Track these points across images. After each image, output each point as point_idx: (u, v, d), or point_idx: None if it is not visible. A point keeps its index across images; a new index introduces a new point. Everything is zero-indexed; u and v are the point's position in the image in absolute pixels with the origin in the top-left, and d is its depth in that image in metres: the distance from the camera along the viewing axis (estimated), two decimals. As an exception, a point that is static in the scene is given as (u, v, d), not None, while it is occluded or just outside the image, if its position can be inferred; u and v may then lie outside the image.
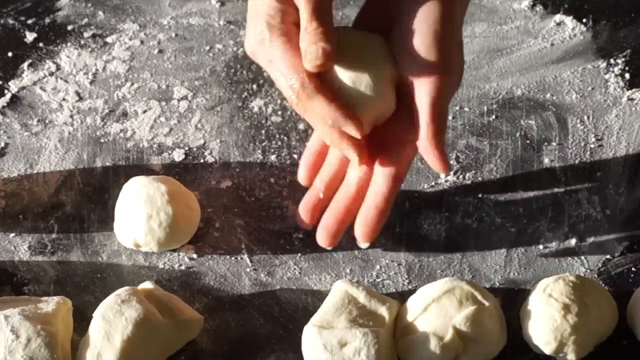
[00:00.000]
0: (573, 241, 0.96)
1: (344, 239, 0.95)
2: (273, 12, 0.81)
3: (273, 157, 1.00)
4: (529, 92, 1.04)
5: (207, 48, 1.06)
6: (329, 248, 0.89)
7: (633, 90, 1.03)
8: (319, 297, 0.92)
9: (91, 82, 1.04)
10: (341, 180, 0.89)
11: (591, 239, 0.96)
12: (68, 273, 0.94)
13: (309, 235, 0.96)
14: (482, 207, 0.97)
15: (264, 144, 1.01)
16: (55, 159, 1.00)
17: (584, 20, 1.07)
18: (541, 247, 0.96)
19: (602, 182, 0.99)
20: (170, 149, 1.01)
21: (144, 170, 0.99)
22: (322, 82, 0.81)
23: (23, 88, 1.04)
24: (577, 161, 1.00)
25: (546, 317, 0.87)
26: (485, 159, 1.00)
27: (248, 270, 0.95)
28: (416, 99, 0.82)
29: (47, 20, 1.08)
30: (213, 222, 0.97)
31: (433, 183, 0.99)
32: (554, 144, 1.01)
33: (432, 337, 0.86)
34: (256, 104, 1.03)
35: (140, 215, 0.93)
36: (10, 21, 1.08)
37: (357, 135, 0.81)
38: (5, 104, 1.03)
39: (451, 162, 1.00)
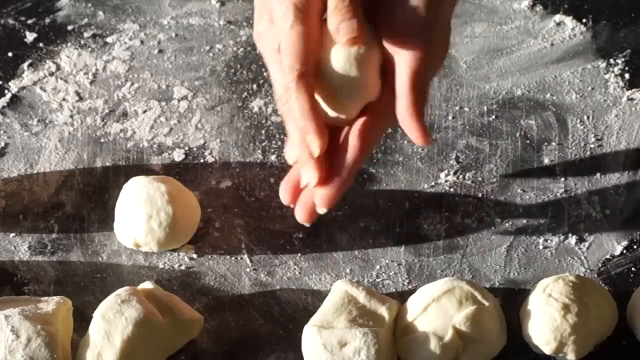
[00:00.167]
0: (573, 241, 0.96)
1: (344, 239, 0.96)
2: None
3: (273, 157, 1.00)
4: (529, 92, 1.04)
5: (207, 48, 1.06)
6: (307, 225, 0.87)
7: (633, 90, 1.03)
8: (319, 297, 0.92)
9: (91, 82, 1.04)
10: None
11: (591, 239, 0.96)
12: (68, 273, 0.94)
13: (309, 235, 0.96)
14: (482, 207, 0.97)
15: (264, 144, 1.01)
16: (55, 159, 1.00)
17: (584, 20, 1.07)
18: (541, 247, 0.96)
19: (602, 182, 0.99)
20: (170, 149, 1.01)
21: (144, 170, 0.99)
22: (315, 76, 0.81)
23: (23, 88, 1.04)
24: (577, 161, 1.00)
25: (546, 317, 0.87)
26: (485, 159, 1.00)
27: (248, 270, 0.95)
28: (397, 70, 0.82)
29: (47, 20, 1.08)
30: (213, 222, 0.97)
31: (433, 183, 0.99)
32: (554, 144, 1.01)
33: (432, 337, 0.86)
34: (256, 104, 1.03)
35: (140, 215, 0.93)
36: (10, 21, 1.08)
37: (315, 153, 0.81)
38: (5, 104, 1.03)
39: (451, 162, 1.00)
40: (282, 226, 0.97)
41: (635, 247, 0.95)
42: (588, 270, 0.94)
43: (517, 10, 1.08)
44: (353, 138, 0.83)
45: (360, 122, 0.84)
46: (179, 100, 1.03)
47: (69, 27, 1.07)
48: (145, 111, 1.03)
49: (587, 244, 0.95)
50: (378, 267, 0.95)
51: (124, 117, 1.02)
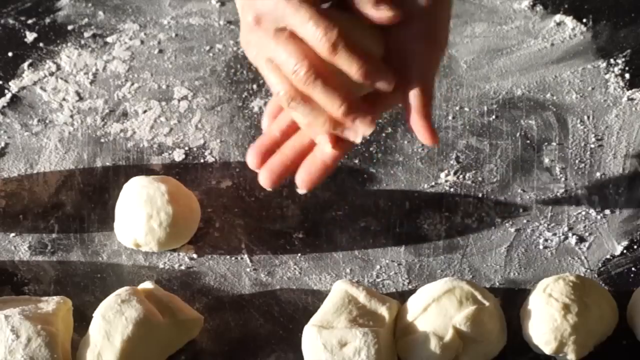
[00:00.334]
0: (573, 241, 0.96)
1: (344, 239, 0.96)
2: None
3: (273, 157, 1.00)
4: (529, 92, 1.04)
5: (207, 48, 1.06)
6: (268, 189, 0.86)
7: (633, 90, 1.03)
8: (319, 297, 0.92)
9: (91, 82, 1.04)
10: (297, 129, 0.88)
11: (591, 239, 0.96)
12: (68, 273, 0.95)
13: (309, 235, 0.96)
14: (482, 207, 0.98)
15: (264, 144, 1.01)
16: (55, 159, 1.00)
17: (584, 20, 1.07)
18: (541, 247, 0.96)
19: (602, 182, 0.99)
20: (170, 149, 1.01)
21: (144, 170, 0.99)
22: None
23: (23, 88, 1.04)
24: (577, 161, 1.00)
25: (546, 317, 0.87)
26: (485, 159, 1.00)
27: (248, 270, 0.95)
28: (405, 71, 0.81)
29: (48, 20, 1.08)
30: (213, 222, 0.97)
31: (433, 183, 0.99)
32: (554, 144, 1.01)
33: (432, 337, 0.86)
34: (256, 104, 1.03)
35: (140, 215, 0.93)
36: (11, 21, 1.08)
37: (390, 87, 0.80)
38: (5, 104, 1.03)
39: (451, 162, 1.00)
40: (282, 226, 0.97)
41: (635, 247, 0.95)
42: (588, 270, 0.94)
43: (517, 10, 1.08)
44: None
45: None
46: (179, 100, 1.03)
47: (69, 27, 1.07)
48: (145, 111, 1.03)
49: (587, 244, 0.96)
50: (378, 267, 0.95)
51: (124, 117, 1.02)
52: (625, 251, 0.95)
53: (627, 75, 1.04)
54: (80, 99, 1.03)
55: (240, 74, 1.05)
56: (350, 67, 0.79)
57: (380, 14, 0.81)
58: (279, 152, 0.85)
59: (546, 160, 1.00)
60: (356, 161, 1.00)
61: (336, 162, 0.84)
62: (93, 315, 0.88)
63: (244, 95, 1.04)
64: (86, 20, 1.08)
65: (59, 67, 1.05)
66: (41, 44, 1.06)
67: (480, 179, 0.99)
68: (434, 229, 0.96)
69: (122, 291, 0.89)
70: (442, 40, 0.83)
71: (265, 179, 0.85)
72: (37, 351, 0.85)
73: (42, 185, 0.99)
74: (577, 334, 0.87)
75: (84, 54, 1.06)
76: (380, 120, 1.01)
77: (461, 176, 0.99)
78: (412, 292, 0.91)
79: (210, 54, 1.06)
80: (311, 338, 0.87)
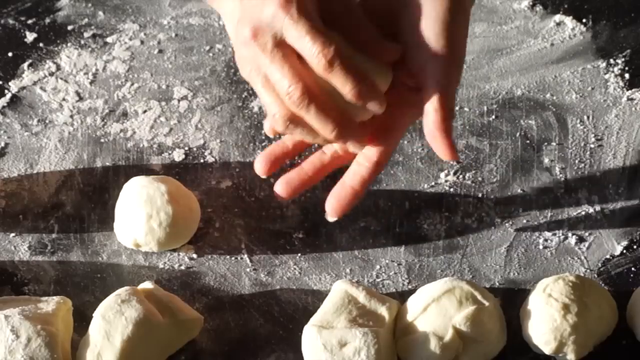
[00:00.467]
0: (573, 241, 0.96)
1: (344, 239, 0.96)
2: None
3: (273, 157, 1.00)
4: (529, 92, 1.04)
5: (207, 48, 1.06)
6: (282, 197, 0.88)
7: (633, 90, 1.03)
8: (319, 297, 0.92)
9: (91, 82, 1.04)
10: (307, 145, 0.88)
11: (591, 239, 0.96)
12: (68, 273, 0.95)
13: (309, 235, 0.96)
14: (482, 207, 0.98)
15: (264, 144, 1.01)
16: (55, 159, 1.00)
17: (584, 20, 1.07)
18: (541, 247, 0.96)
19: (602, 182, 0.99)
20: (170, 149, 1.01)
21: (144, 170, 0.99)
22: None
23: (23, 88, 1.04)
24: (577, 161, 1.00)
25: (546, 317, 0.87)
26: (485, 159, 1.00)
27: (248, 270, 0.95)
28: (425, 86, 0.81)
29: (47, 20, 1.08)
30: (213, 222, 0.97)
31: (433, 183, 0.99)
32: (554, 144, 1.01)
33: (432, 337, 0.86)
34: (256, 104, 1.03)
35: (140, 215, 0.93)
36: (11, 21, 1.08)
37: (381, 110, 0.81)
38: (5, 104, 1.03)
39: (451, 162, 1.00)
40: (282, 226, 0.97)
41: (635, 247, 0.95)
42: (588, 270, 0.94)
43: (517, 10, 1.08)
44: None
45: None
46: (179, 100, 1.03)
47: (69, 27, 1.07)
48: (145, 111, 1.03)
49: (587, 244, 0.96)
50: (378, 267, 0.95)
51: (124, 117, 1.02)
52: (625, 251, 0.95)
53: (626, 75, 1.04)
54: (80, 99, 1.03)
55: (240, 74, 1.04)
56: (344, 86, 0.79)
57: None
58: (300, 167, 0.87)
59: (546, 160, 1.00)
60: (356, 161, 1.00)
61: (366, 187, 0.85)
62: (93, 315, 0.88)
63: (243, 95, 1.04)
64: (86, 20, 1.08)
65: (58, 67, 1.05)
66: (41, 44, 1.06)
67: (480, 179, 0.99)
68: (433, 229, 0.96)
69: (122, 291, 0.89)
70: (460, 56, 0.83)
71: (281, 190, 0.87)
72: (37, 351, 0.85)
73: (42, 185, 0.99)
74: (576, 334, 0.87)
75: (84, 54, 1.06)
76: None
77: (461, 176, 0.99)
78: (412, 292, 0.91)
79: (210, 54, 1.06)
80: (311, 338, 0.87)
